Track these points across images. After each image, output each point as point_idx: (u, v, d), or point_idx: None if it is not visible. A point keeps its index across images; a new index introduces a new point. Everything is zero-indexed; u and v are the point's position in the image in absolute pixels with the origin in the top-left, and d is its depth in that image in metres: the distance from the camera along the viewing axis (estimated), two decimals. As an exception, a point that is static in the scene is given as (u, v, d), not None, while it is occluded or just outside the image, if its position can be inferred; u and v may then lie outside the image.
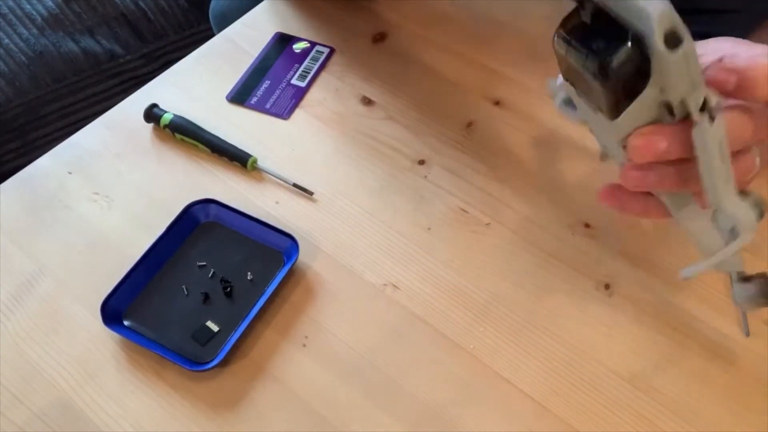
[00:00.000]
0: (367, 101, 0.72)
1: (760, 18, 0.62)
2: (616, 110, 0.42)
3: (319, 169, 0.67)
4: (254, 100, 0.73)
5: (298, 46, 0.77)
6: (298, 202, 0.65)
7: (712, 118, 0.40)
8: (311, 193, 0.65)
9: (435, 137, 0.69)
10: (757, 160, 0.45)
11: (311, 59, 0.76)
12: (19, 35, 1.12)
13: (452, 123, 0.70)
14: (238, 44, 0.78)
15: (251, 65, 0.76)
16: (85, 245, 0.63)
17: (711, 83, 0.40)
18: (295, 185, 0.66)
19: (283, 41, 0.78)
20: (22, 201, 0.66)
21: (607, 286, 0.59)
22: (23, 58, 1.11)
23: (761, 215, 0.45)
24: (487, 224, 0.63)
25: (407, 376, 0.55)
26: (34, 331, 0.59)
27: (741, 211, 0.45)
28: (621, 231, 0.62)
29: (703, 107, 0.40)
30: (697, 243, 0.49)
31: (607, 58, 0.39)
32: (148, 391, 0.55)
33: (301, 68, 0.75)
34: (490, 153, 0.68)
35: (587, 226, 0.62)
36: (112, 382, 0.56)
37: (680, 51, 0.38)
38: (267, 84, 0.74)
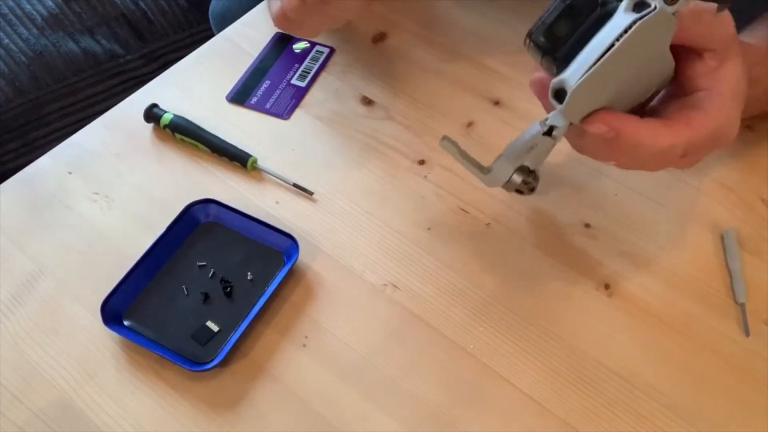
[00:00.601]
0: (367, 101, 0.72)
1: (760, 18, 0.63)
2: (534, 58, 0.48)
3: (319, 169, 0.67)
4: (254, 100, 0.73)
5: (298, 46, 0.77)
6: (298, 202, 0.65)
7: (546, 134, 0.48)
8: (311, 193, 0.65)
9: (435, 137, 0.69)
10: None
11: (311, 59, 0.76)
12: (19, 35, 1.12)
13: (452, 123, 0.70)
14: (238, 44, 0.78)
15: (251, 65, 0.76)
16: (85, 245, 0.63)
17: (594, 129, 0.46)
18: (295, 185, 0.66)
19: (283, 41, 0.78)
20: (22, 201, 0.66)
21: (607, 286, 0.59)
22: (23, 58, 1.11)
23: (510, 188, 0.53)
24: (487, 224, 0.63)
25: (407, 376, 0.55)
26: (34, 331, 0.59)
27: (502, 172, 0.53)
28: (621, 231, 0.62)
29: (549, 126, 0.47)
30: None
31: (534, 37, 0.46)
32: (148, 391, 0.55)
33: (301, 68, 0.75)
34: (490, 153, 0.67)
35: (587, 226, 0.62)
36: (112, 382, 0.56)
37: (555, 104, 0.45)
38: (267, 84, 0.74)
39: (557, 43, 0.44)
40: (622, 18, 0.43)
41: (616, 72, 0.44)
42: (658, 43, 0.45)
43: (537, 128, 0.49)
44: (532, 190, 0.55)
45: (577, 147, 0.51)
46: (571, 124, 0.47)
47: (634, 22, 0.42)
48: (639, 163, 0.50)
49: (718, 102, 0.48)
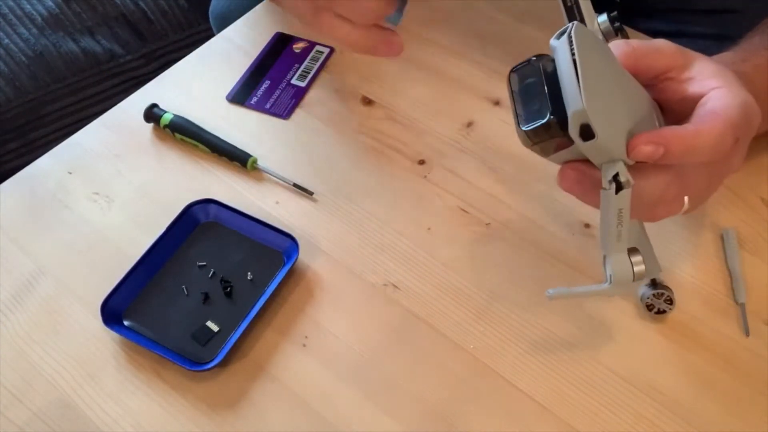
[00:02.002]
0: (367, 101, 0.72)
1: (760, 18, 0.63)
2: (546, 152, 0.47)
3: (319, 169, 0.67)
4: (254, 100, 0.73)
5: (298, 46, 0.77)
6: (298, 202, 0.65)
7: (618, 190, 0.45)
8: (311, 193, 0.65)
9: (435, 137, 0.69)
10: (686, 200, 0.49)
11: (311, 59, 0.76)
12: (19, 35, 1.12)
13: (452, 123, 0.70)
14: (238, 44, 0.78)
15: (251, 65, 0.76)
16: (85, 245, 0.63)
17: (642, 153, 0.45)
18: (295, 185, 0.66)
19: (283, 41, 0.78)
20: (22, 201, 0.66)
21: (607, 286, 0.59)
22: (23, 58, 1.11)
23: (640, 276, 0.50)
24: (487, 224, 0.63)
25: (407, 376, 0.55)
26: (34, 331, 0.59)
27: (621, 267, 0.49)
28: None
29: (615, 178, 0.45)
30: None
31: (525, 126, 0.46)
32: (148, 391, 0.55)
33: (301, 68, 0.75)
34: (490, 153, 0.68)
35: (587, 226, 0.62)
36: (112, 382, 0.56)
37: (591, 142, 0.43)
38: (267, 84, 0.74)
39: (542, 112, 0.45)
40: (559, 46, 0.44)
41: (603, 86, 0.44)
42: (604, 54, 0.46)
43: (607, 195, 0.46)
44: (668, 300, 0.55)
45: (646, 208, 0.49)
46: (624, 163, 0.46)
47: (569, 37, 0.44)
48: (703, 179, 0.49)
49: (719, 91, 0.48)
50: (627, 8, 0.80)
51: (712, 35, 0.57)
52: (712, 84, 0.48)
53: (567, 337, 0.56)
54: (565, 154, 0.47)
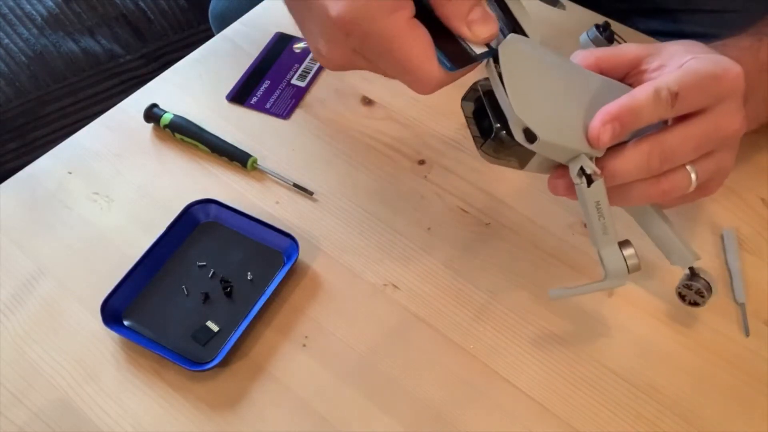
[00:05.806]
0: (367, 101, 0.72)
1: (759, 18, 0.63)
2: (520, 164, 0.49)
3: (319, 169, 0.67)
4: (254, 100, 0.73)
5: (298, 46, 0.77)
6: (298, 202, 0.65)
7: (589, 183, 0.46)
8: (311, 193, 0.65)
9: (435, 137, 0.69)
10: (693, 176, 0.48)
11: (311, 59, 0.76)
12: (19, 35, 1.12)
13: (452, 123, 0.70)
14: (238, 44, 0.78)
15: (251, 65, 0.76)
16: (85, 245, 0.63)
17: (605, 139, 0.45)
18: (295, 185, 0.66)
19: (283, 41, 0.78)
20: (22, 201, 0.66)
21: (607, 286, 0.59)
22: (23, 58, 1.11)
23: (635, 268, 0.50)
24: (487, 224, 0.63)
25: (407, 376, 0.55)
26: (34, 331, 0.59)
27: (614, 260, 0.50)
28: (621, 230, 0.61)
29: (583, 172, 0.46)
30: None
31: (480, 145, 0.48)
32: (148, 391, 0.55)
33: (301, 68, 0.75)
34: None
35: (587, 226, 0.62)
36: (112, 382, 0.56)
37: (537, 143, 0.45)
38: (267, 84, 0.74)
39: (491, 128, 0.47)
40: (488, 66, 0.47)
41: (543, 89, 0.46)
42: (543, 60, 0.47)
43: (580, 189, 0.47)
44: (699, 293, 0.54)
45: (647, 187, 0.48)
46: (591, 158, 0.47)
47: (493, 57, 0.46)
48: (685, 142, 0.47)
49: (691, 64, 0.47)
50: (627, 8, 0.80)
51: (712, 35, 0.57)
52: (684, 59, 0.48)
53: (567, 336, 0.56)
54: (536, 161, 0.48)
